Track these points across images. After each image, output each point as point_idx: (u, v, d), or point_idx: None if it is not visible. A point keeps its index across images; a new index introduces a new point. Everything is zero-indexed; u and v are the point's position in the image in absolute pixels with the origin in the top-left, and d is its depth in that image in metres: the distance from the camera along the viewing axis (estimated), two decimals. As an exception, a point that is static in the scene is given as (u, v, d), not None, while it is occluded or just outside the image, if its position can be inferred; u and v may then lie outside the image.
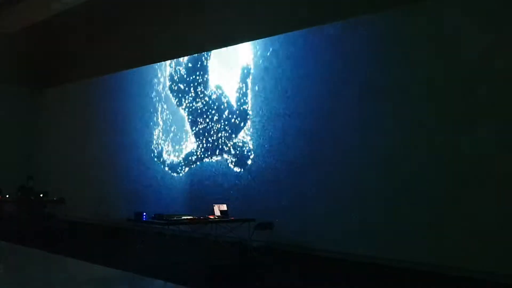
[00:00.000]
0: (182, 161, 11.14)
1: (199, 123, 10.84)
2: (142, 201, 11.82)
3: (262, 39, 9.76)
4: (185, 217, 7.42)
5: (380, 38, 8.08)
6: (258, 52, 9.79)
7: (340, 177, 8.23)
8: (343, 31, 8.55)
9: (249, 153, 9.69)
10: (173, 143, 11.44)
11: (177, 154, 11.30)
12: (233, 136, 10.06)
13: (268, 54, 9.58)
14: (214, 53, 10.74)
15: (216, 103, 10.50)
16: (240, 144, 9.89)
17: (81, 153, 14.11)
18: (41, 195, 11.27)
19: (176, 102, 11.45)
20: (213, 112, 10.54)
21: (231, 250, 7.22)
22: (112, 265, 6.96)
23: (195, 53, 11.13)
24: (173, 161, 11.36)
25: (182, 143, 11.23)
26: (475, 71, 6.98)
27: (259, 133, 9.58)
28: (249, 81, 9.87)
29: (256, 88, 9.71)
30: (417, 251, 7.17)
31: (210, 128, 10.59)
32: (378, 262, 7.44)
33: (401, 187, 7.50)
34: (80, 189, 13.62)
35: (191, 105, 11.08)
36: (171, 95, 11.61)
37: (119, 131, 13.04)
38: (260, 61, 9.71)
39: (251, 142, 9.69)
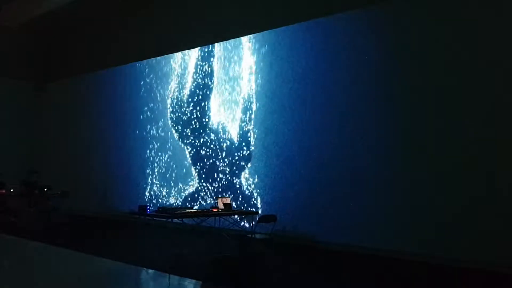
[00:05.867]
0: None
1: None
2: (147, 194, 11.87)
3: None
4: (189, 210, 7.42)
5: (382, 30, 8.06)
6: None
7: (343, 171, 8.23)
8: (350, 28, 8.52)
9: (252, 149, 9.70)
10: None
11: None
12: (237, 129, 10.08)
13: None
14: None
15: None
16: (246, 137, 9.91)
17: (85, 147, 14.14)
18: (45, 189, 11.30)
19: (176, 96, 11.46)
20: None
21: (234, 243, 7.22)
22: (116, 258, 6.99)
23: (197, 46, 11.11)
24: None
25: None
26: (477, 69, 6.97)
27: (261, 127, 9.58)
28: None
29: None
30: (418, 243, 7.19)
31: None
32: (381, 254, 7.46)
33: (401, 180, 7.51)
34: (84, 182, 13.66)
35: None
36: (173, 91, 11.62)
37: (122, 124, 13.05)
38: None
39: (254, 137, 9.69)
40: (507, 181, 6.56)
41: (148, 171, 12.02)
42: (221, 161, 10.30)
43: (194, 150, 10.94)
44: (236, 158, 9.99)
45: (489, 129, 6.77)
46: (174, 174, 11.35)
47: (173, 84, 11.63)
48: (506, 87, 6.68)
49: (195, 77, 11.11)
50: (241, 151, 9.90)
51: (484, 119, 6.83)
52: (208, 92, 10.77)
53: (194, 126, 11.00)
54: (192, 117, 11.06)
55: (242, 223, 9.27)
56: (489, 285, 6.13)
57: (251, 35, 9.99)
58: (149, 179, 11.94)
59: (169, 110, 11.65)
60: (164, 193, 11.47)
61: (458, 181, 6.97)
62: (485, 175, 6.74)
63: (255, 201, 9.45)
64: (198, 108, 10.97)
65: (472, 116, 6.92)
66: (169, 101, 11.68)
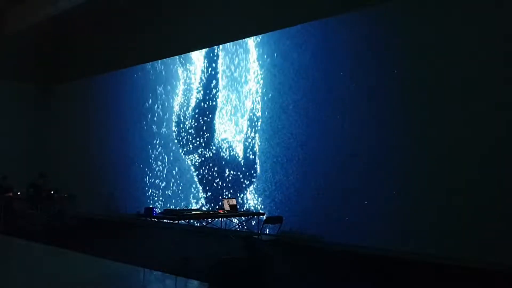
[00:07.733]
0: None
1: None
2: (152, 196, 11.88)
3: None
4: (195, 212, 7.42)
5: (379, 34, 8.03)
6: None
7: (348, 171, 8.21)
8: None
9: (257, 149, 9.70)
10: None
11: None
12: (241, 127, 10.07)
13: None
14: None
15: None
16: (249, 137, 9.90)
17: (91, 149, 14.19)
18: (52, 192, 11.34)
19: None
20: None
21: (241, 244, 7.22)
22: (122, 260, 6.99)
23: (202, 48, 11.12)
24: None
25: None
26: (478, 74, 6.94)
27: (267, 129, 9.57)
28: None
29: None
30: (424, 243, 7.18)
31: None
32: (389, 255, 7.43)
33: (405, 181, 7.50)
34: (90, 185, 13.70)
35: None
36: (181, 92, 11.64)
37: (128, 127, 13.08)
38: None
39: (259, 139, 9.68)
40: (507, 181, 6.52)
41: (154, 173, 12.04)
42: (225, 162, 10.29)
43: (198, 152, 10.94)
44: (241, 159, 9.98)
45: (490, 129, 6.73)
46: (177, 175, 11.36)
47: (179, 86, 11.64)
48: (507, 86, 6.63)
49: (199, 79, 11.12)
50: (246, 153, 9.89)
51: (485, 119, 6.79)
52: (212, 94, 10.78)
53: (197, 128, 11.01)
54: (196, 120, 11.07)
55: (248, 225, 9.26)
56: (489, 285, 6.09)
57: (254, 37, 9.98)
58: (155, 181, 11.96)
59: (174, 112, 11.66)
60: (169, 195, 11.48)
61: (458, 181, 6.95)
62: (485, 175, 6.71)
63: (260, 202, 9.44)
64: (202, 110, 10.97)
65: (473, 116, 6.89)
66: (175, 104, 11.69)
